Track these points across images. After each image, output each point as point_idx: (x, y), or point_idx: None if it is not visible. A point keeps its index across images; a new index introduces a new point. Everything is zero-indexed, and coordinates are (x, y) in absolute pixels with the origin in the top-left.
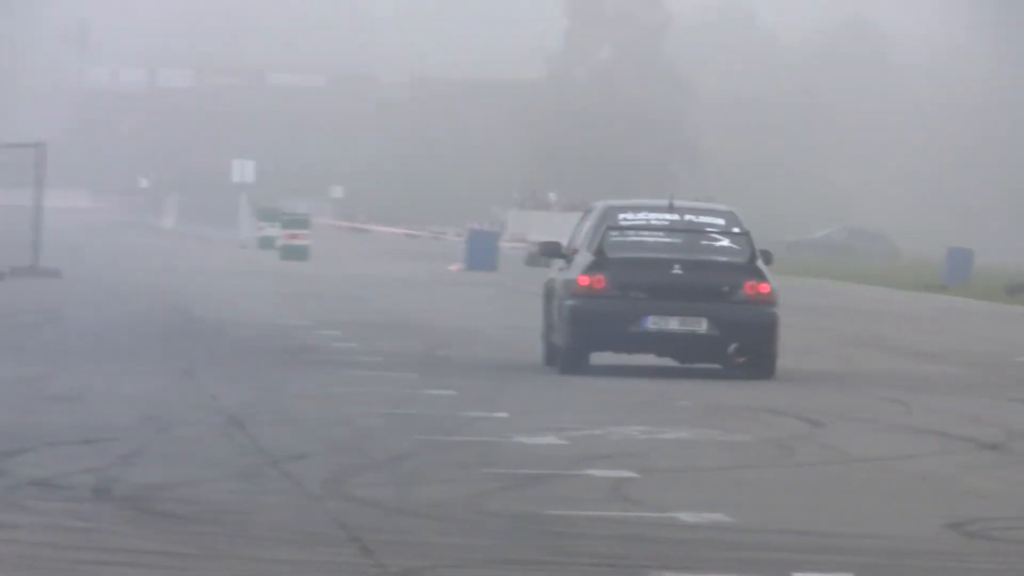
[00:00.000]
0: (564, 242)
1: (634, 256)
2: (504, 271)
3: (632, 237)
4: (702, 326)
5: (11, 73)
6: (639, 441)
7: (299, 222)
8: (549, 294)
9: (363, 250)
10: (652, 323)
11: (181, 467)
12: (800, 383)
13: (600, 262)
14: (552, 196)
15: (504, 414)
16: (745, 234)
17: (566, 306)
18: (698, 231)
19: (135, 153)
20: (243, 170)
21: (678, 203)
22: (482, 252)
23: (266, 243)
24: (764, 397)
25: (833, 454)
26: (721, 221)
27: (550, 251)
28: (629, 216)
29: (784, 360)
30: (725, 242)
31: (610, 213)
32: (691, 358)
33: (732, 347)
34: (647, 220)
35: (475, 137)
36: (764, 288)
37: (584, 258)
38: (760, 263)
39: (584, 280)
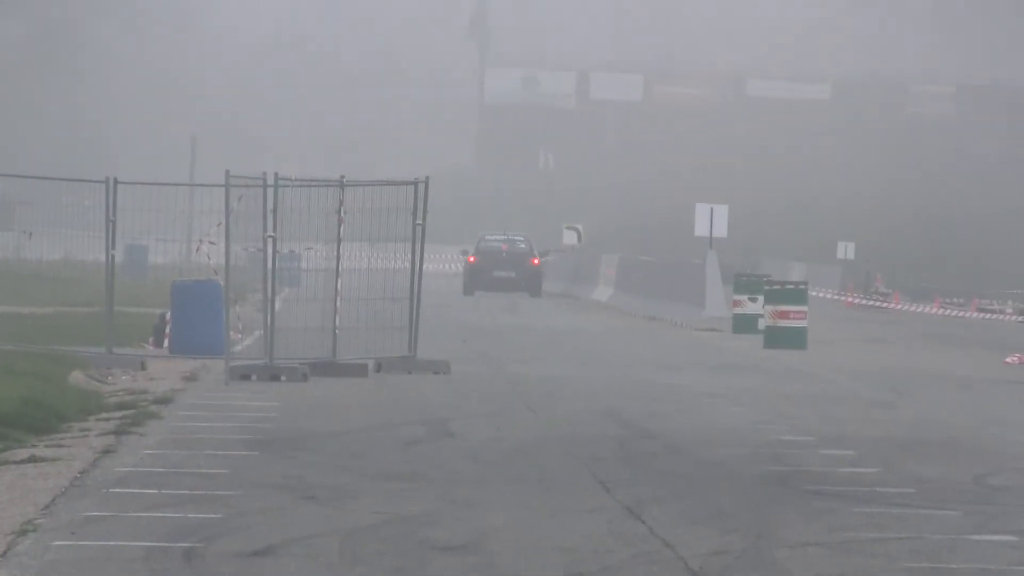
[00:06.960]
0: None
1: (488, 248)
2: None
3: (490, 244)
4: (514, 274)
5: (398, 83)
6: None
7: (792, 294)
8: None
9: (882, 333)
10: (496, 273)
11: None
12: None
13: (476, 252)
14: None
15: None
16: (529, 241)
17: (466, 267)
18: (513, 240)
19: (556, 194)
20: (711, 218)
21: (508, 231)
22: None
23: (743, 324)
24: None
25: None
26: (522, 236)
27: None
28: (489, 236)
29: None
30: (523, 245)
31: (483, 235)
32: (511, 290)
33: (523, 283)
34: (495, 237)
35: None
36: (536, 261)
37: (473, 251)
38: (536, 252)
39: (472, 259)
